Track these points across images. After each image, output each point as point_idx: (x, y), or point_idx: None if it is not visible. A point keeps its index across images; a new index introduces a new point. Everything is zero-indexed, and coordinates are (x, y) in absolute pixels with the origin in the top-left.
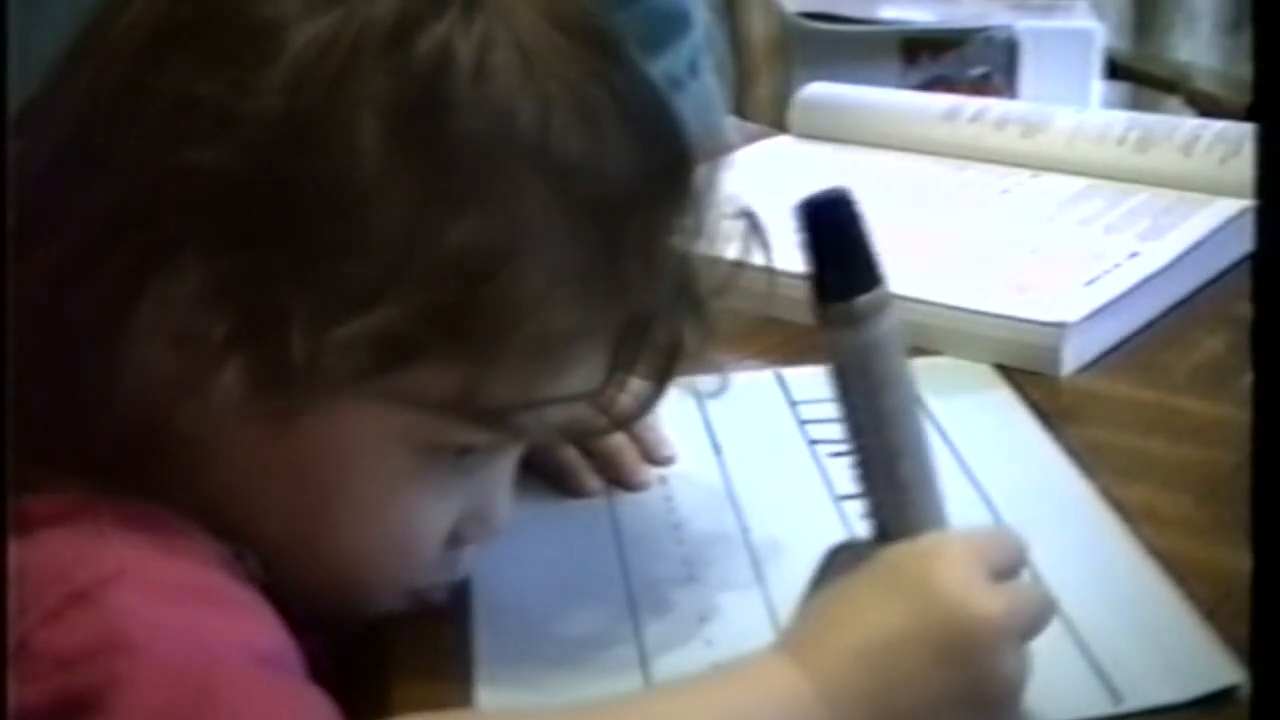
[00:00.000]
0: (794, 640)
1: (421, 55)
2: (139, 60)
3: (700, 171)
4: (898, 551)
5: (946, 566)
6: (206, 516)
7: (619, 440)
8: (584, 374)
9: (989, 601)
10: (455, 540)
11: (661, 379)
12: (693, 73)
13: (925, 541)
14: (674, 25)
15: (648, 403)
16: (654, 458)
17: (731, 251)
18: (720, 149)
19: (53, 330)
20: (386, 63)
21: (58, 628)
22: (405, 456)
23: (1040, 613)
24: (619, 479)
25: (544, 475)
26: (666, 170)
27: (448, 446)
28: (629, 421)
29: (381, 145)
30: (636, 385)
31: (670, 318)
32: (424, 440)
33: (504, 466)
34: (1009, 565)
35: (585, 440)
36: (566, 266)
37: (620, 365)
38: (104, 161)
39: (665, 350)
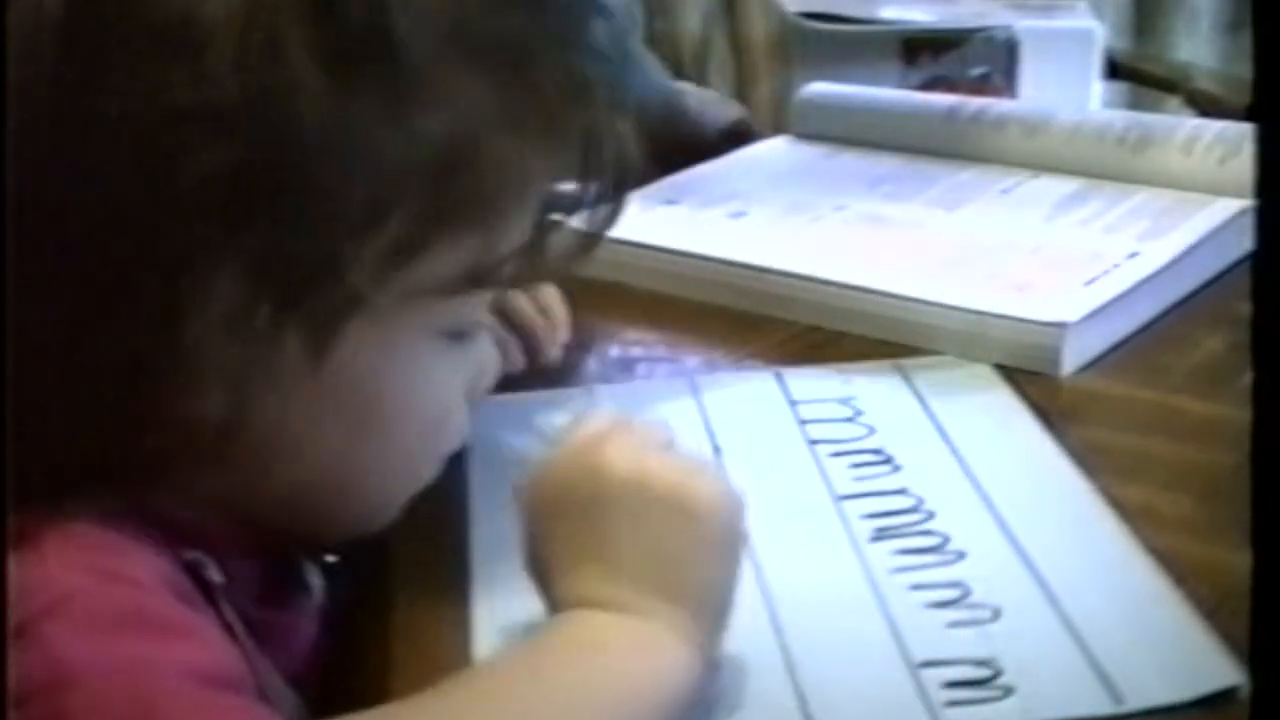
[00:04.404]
0: (551, 606)
1: None
2: (66, 82)
3: None
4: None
5: (549, 465)
6: (255, 487)
7: (533, 318)
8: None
9: (598, 448)
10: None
11: (618, 193)
12: None
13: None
14: None
15: (612, 216)
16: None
17: None
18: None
19: (83, 359)
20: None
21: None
22: (433, 345)
23: (642, 430)
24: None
25: None
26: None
27: (466, 327)
28: (602, 230)
29: (332, 85)
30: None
31: (613, 130)
32: (447, 326)
33: (488, 320)
34: (598, 430)
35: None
36: (531, 124)
37: (588, 181)
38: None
39: (616, 163)
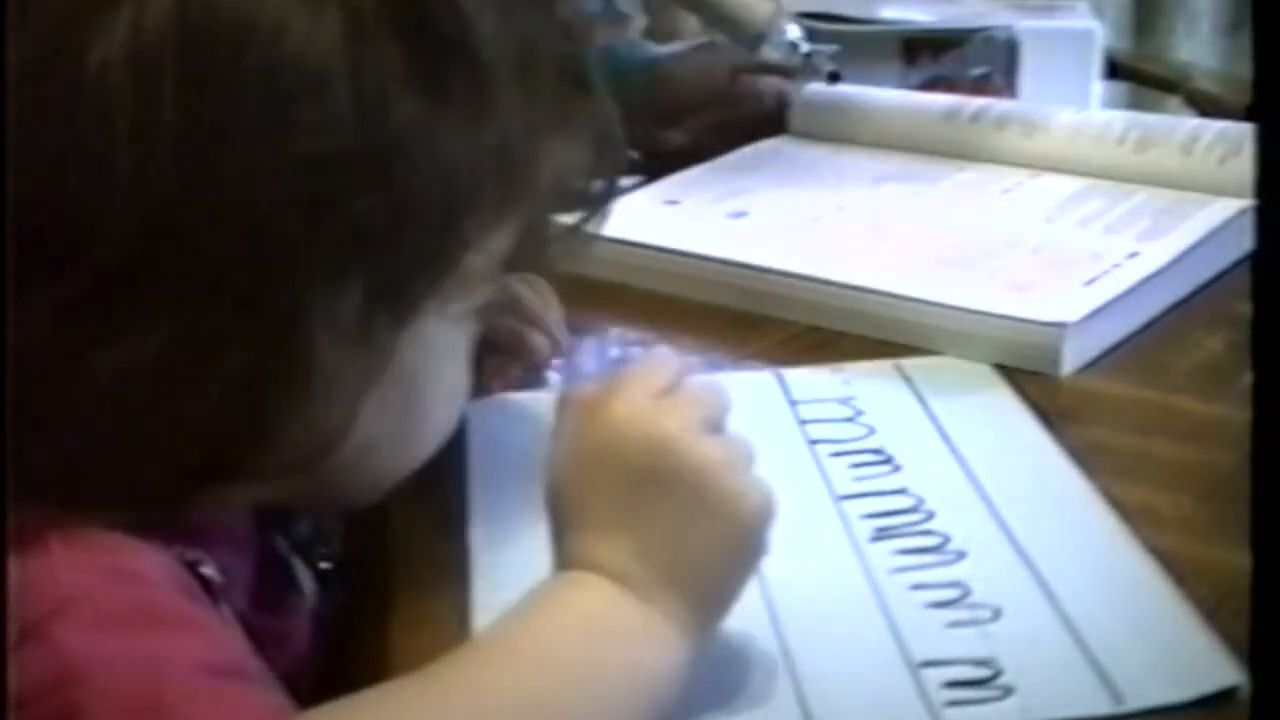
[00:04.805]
0: (567, 556)
1: None
2: (189, 127)
3: None
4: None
5: (609, 408)
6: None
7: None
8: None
9: (660, 418)
10: None
11: (617, 177)
12: None
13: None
14: None
15: (609, 192)
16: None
17: None
18: None
19: (208, 384)
20: (389, 18)
21: (12, 668)
22: (462, 324)
23: (706, 402)
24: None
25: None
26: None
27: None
28: (603, 210)
29: (428, 110)
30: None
31: (612, 116)
32: (474, 306)
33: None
34: (667, 382)
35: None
36: (552, 118)
37: (600, 166)
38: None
39: (618, 146)
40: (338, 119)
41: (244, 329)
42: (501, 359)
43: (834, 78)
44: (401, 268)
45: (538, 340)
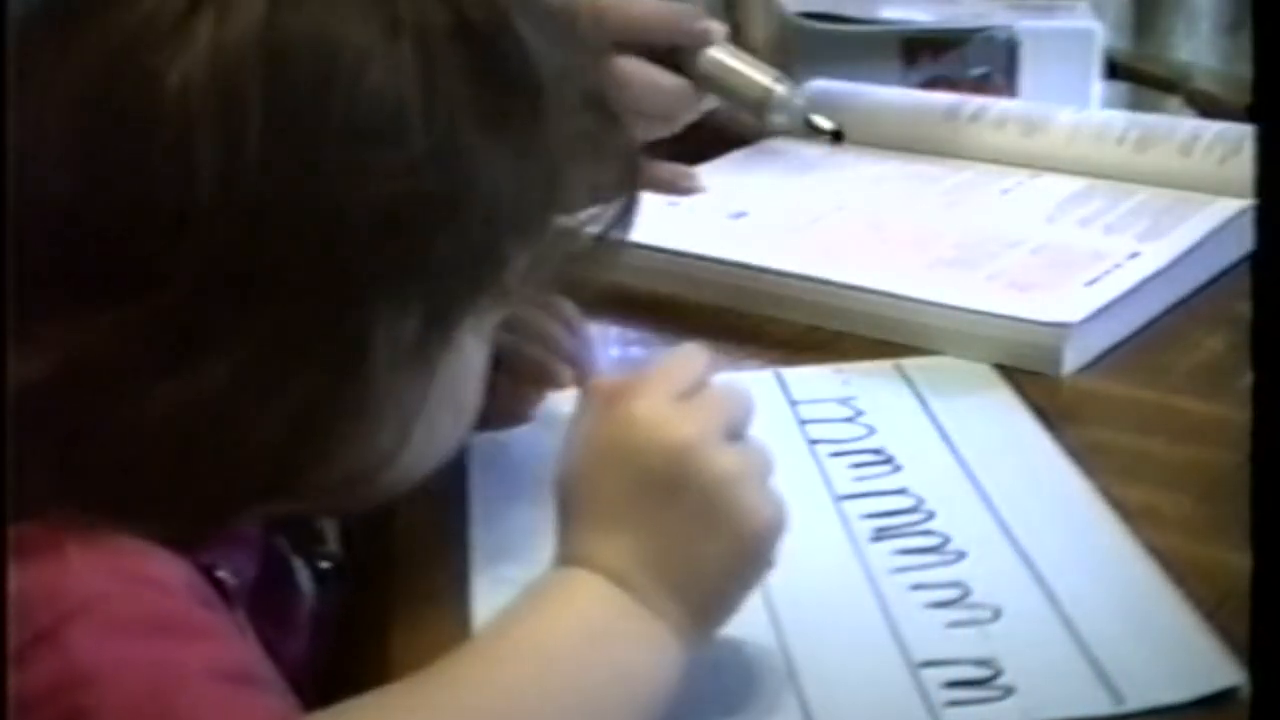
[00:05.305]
0: (570, 550)
1: (480, 21)
2: (273, 165)
3: None
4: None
5: (631, 406)
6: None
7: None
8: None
9: (680, 424)
10: None
11: (632, 188)
12: None
13: (613, 388)
14: None
15: (628, 214)
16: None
17: None
18: None
19: (268, 406)
20: (459, 53)
21: (24, 671)
22: (485, 341)
23: (728, 409)
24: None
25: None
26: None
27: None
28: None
29: (490, 145)
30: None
31: (629, 140)
32: (499, 320)
33: None
34: (691, 383)
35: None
36: (587, 146)
37: (623, 185)
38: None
39: (637, 169)
40: (412, 152)
41: (312, 354)
42: (521, 387)
43: (837, 137)
44: (456, 291)
45: (560, 368)
